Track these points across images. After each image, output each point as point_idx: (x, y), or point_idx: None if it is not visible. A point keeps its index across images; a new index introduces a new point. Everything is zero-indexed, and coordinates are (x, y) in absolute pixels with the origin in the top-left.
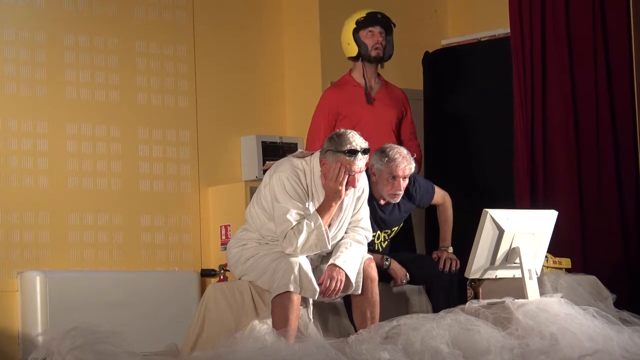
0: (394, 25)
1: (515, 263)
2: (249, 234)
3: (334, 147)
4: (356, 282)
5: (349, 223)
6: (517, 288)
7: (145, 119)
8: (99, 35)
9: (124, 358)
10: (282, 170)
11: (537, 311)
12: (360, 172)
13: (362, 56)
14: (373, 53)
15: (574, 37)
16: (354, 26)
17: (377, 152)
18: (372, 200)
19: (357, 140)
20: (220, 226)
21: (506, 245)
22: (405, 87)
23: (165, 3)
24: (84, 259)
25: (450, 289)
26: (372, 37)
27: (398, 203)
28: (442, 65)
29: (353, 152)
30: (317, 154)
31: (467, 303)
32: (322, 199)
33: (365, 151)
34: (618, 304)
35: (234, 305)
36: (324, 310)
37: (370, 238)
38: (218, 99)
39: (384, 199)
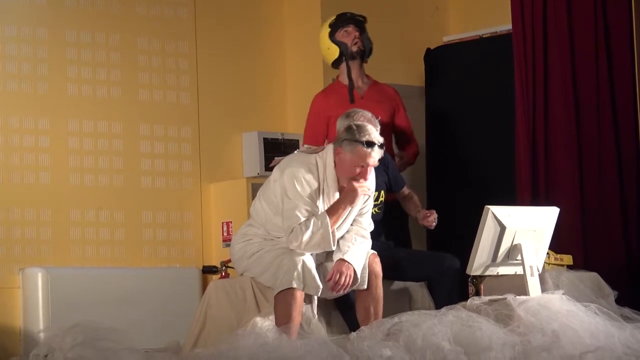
0: (365, 20)
1: (516, 260)
2: (253, 230)
3: (351, 137)
4: (362, 277)
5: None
6: (518, 285)
7: (147, 116)
8: (100, 31)
9: (125, 355)
10: (296, 166)
11: (538, 308)
12: (373, 165)
13: (345, 55)
14: (354, 48)
15: (575, 34)
16: (329, 30)
17: (342, 116)
18: None
19: (375, 134)
20: (222, 223)
21: (508, 242)
22: (406, 84)
23: (167, 0)
24: (86, 256)
25: (452, 286)
26: (348, 35)
27: None
28: (444, 62)
29: (371, 144)
30: (329, 147)
31: (469, 300)
32: (332, 194)
33: (381, 146)
34: (619, 301)
35: (236, 302)
36: (327, 307)
37: (372, 228)
38: (219, 95)
39: None
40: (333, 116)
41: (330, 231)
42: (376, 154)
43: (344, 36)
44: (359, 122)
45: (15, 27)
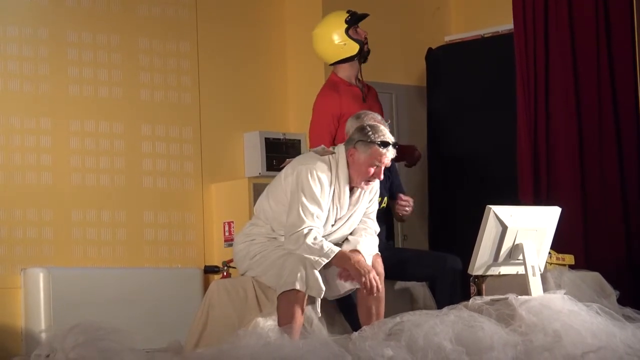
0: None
1: (518, 259)
2: (257, 229)
3: (366, 138)
4: None
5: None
6: (520, 284)
7: (148, 116)
8: (102, 32)
9: (127, 355)
10: (311, 163)
11: (540, 308)
12: (387, 165)
13: (360, 53)
14: (365, 49)
15: (576, 33)
16: (345, 26)
17: (352, 118)
18: None
19: (388, 134)
20: (224, 223)
21: (509, 242)
22: (408, 84)
23: (168, 0)
24: (87, 256)
25: (454, 286)
26: (359, 34)
27: None
28: (446, 61)
29: (386, 144)
30: (341, 147)
31: (471, 300)
32: (343, 194)
33: (395, 145)
34: (621, 301)
35: (237, 302)
36: (328, 307)
37: (378, 230)
38: (221, 96)
39: None
40: (345, 114)
41: (321, 265)
42: (390, 154)
43: (355, 35)
44: (372, 123)
45: (16, 27)
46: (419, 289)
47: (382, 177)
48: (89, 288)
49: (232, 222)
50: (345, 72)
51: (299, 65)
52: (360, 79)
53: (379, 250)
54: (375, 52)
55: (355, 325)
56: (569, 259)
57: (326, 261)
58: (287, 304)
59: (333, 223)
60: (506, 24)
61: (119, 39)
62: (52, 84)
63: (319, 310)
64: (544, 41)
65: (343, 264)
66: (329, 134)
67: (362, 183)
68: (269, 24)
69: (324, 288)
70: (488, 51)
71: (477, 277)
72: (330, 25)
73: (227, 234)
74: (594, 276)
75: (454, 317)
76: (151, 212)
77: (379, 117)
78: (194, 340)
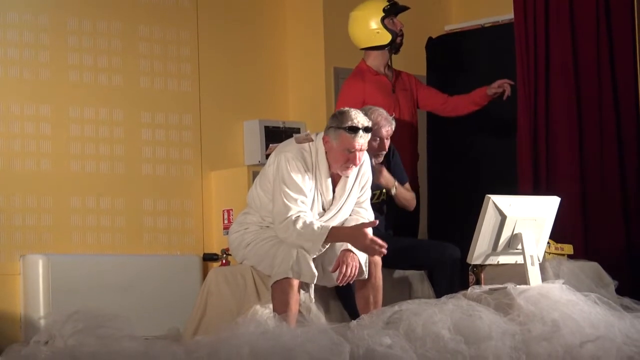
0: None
1: (517, 249)
2: (249, 218)
3: (335, 124)
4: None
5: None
6: (519, 274)
7: (148, 103)
8: (102, 19)
9: (126, 342)
10: (289, 150)
11: (538, 297)
12: (360, 150)
13: (392, 44)
14: (398, 40)
15: (577, 23)
16: (382, 14)
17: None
18: None
19: (360, 118)
20: (223, 210)
21: (508, 231)
22: (408, 73)
23: None
24: (87, 243)
25: (453, 275)
26: (395, 25)
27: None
28: (446, 51)
29: (354, 129)
30: (320, 134)
31: (469, 289)
32: (324, 180)
33: (366, 129)
34: (620, 291)
35: (236, 290)
36: (325, 295)
37: (372, 218)
38: (221, 83)
39: None
40: (368, 102)
41: (319, 247)
42: (362, 139)
43: (391, 25)
44: (344, 109)
45: (17, 14)
46: (418, 277)
47: (357, 163)
48: (87, 275)
49: (231, 209)
50: (375, 61)
51: (298, 54)
52: (391, 68)
53: None
54: None
55: (353, 313)
56: (568, 248)
57: (322, 241)
58: (280, 293)
59: (320, 211)
60: (506, 14)
61: (119, 26)
62: (52, 70)
63: (312, 296)
64: (544, 31)
65: (338, 237)
66: None
67: (340, 170)
68: (270, 11)
69: (316, 273)
70: (488, 41)
71: (475, 266)
72: (368, 10)
73: (226, 221)
74: (593, 266)
75: (453, 306)
76: (150, 200)
77: (385, 113)
78: (192, 327)
